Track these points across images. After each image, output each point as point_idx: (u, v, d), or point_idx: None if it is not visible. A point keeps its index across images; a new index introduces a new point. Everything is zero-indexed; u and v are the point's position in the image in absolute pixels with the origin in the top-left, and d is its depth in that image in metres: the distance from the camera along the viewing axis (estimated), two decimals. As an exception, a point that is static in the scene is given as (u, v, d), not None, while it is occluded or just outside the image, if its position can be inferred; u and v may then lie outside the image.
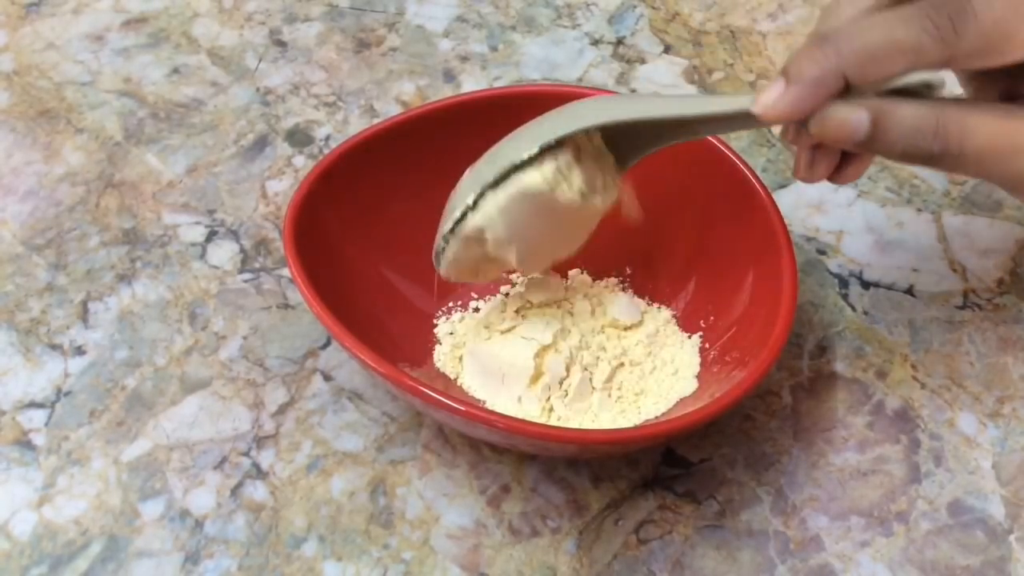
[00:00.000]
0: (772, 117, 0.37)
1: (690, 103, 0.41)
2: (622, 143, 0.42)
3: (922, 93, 0.37)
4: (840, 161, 0.40)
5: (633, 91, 0.59)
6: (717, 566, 0.42)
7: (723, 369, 0.44)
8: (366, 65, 0.60)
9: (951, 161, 0.37)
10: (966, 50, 0.35)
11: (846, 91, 0.36)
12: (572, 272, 0.49)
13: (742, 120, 0.39)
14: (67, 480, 0.43)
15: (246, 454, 0.44)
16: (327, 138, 0.56)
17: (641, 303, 0.48)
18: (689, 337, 0.46)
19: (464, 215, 0.41)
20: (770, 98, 0.37)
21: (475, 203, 0.40)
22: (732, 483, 0.44)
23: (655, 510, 0.43)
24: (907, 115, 0.36)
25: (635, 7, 0.64)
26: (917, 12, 0.35)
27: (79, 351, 0.48)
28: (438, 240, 0.43)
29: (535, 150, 0.39)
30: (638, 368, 0.45)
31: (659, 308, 0.48)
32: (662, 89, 0.59)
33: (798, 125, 0.38)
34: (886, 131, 0.36)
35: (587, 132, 0.40)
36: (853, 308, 0.50)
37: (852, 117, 0.36)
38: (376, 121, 0.51)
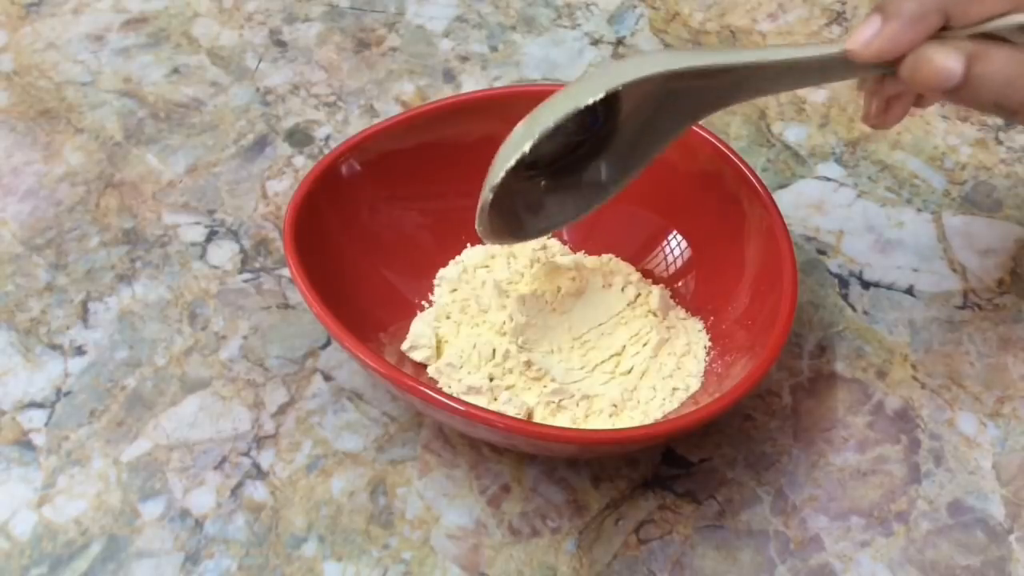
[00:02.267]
0: (868, 56, 0.35)
1: (774, 52, 0.39)
2: (693, 97, 0.40)
3: (1013, 40, 0.35)
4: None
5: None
6: (717, 566, 0.42)
7: (723, 369, 0.44)
8: (366, 65, 0.60)
9: None
10: None
11: (939, 32, 0.34)
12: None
13: (830, 67, 0.37)
14: (67, 480, 0.43)
15: (246, 454, 0.44)
16: (327, 138, 0.56)
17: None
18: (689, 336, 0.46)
19: (520, 163, 0.38)
20: (866, 35, 0.35)
21: (531, 150, 0.38)
22: (732, 483, 0.44)
23: (655, 510, 0.43)
24: (1000, 63, 0.34)
25: (635, 7, 0.64)
26: None
27: (79, 351, 0.48)
28: (485, 193, 0.40)
29: (600, 94, 0.37)
30: (639, 367, 0.45)
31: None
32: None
33: (882, 72, 0.36)
34: (979, 79, 0.34)
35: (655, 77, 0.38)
36: (853, 308, 0.50)
37: (948, 63, 0.34)
38: (376, 121, 0.51)
